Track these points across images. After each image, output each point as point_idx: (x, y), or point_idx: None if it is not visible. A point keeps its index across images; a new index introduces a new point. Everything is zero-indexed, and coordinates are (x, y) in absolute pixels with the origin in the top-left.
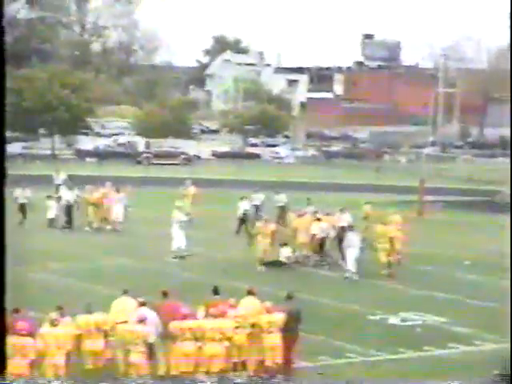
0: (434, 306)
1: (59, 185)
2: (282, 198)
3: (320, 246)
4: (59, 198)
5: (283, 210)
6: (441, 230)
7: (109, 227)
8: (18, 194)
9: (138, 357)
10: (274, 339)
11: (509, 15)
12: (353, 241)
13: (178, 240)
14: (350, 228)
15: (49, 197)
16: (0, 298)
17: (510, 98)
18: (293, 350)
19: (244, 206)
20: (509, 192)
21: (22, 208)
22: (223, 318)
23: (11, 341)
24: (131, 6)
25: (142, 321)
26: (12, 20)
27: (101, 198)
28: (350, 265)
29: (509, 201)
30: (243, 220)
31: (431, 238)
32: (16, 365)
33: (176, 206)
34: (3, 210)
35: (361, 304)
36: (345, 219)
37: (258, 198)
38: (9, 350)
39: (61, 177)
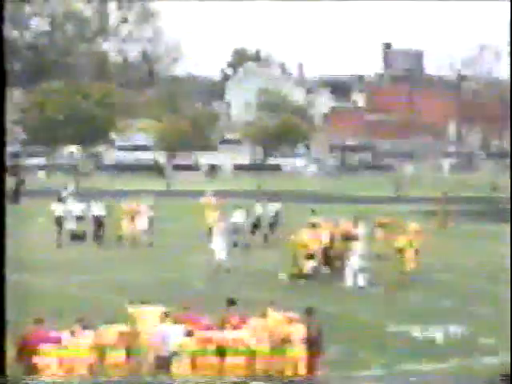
0: (457, 317)
1: (64, 197)
2: (275, 208)
3: (324, 254)
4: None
5: (276, 219)
6: (463, 240)
7: (136, 240)
8: (54, 208)
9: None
10: (297, 351)
11: (509, 21)
12: (356, 250)
13: (220, 252)
14: (355, 237)
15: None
16: (0, 302)
17: (510, 104)
18: (315, 361)
19: (237, 216)
20: None
21: (58, 221)
22: (245, 330)
23: (47, 351)
24: (153, 17)
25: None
26: (34, 33)
27: (136, 211)
28: (350, 274)
29: None
30: (236, 230)
31: (453, 248)
32: (51, 374)
33: (215, 216)
34: (3, 220)
35: (380, 315)
36: (357, 229)
37: (259, 209)
38: (46, 359)
39: (68, 189)
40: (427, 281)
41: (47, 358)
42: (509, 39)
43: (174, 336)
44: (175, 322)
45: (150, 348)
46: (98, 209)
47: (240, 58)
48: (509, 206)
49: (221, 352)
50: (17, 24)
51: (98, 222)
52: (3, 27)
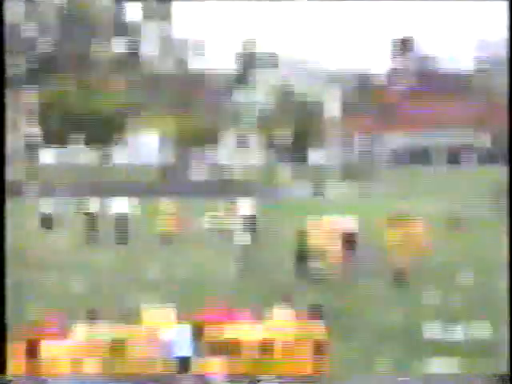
0: (479, 317)
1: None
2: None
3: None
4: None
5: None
6: (481, 240)
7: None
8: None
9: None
10: (305, 349)
11: (508, 18)
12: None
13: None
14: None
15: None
16: (1, 300)
17: (508, 104)
18: (324, 361)
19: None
20: None
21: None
22: (254, 328)
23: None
24: (166, 15)
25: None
26: (45, 34)
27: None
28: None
29: None
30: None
31: (470, 247)
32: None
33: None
34: (3, 217)
35: (400, 316)
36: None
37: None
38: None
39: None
40: (449, 281)
41: (55, 355)
42: (509, 38)
43: (182, 338)
44: (187, 321)
45: (154, 349)
46: (121, 206)
47: (253, 55)
48: None
49: (230, 351)
50: (27, 19)
51: (123, 222)
52: (3, 28)
